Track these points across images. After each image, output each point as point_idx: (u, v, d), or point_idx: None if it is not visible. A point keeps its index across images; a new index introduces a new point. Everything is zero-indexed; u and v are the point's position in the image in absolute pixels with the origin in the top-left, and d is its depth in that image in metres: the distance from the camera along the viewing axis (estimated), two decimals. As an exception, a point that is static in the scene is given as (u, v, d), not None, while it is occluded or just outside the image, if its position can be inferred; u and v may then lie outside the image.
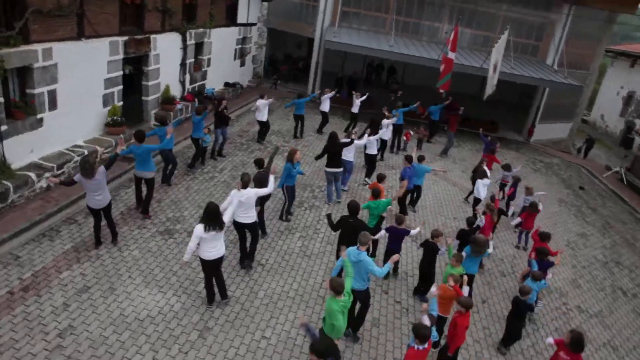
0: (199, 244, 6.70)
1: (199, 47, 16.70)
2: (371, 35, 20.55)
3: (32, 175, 9.32)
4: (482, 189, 11.53)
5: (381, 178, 10.03)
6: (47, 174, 9.62)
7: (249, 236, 8.24)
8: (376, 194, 9.04)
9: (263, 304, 7.60)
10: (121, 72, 12.31)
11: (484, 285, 9.57)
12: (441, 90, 16.91)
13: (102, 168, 7.67)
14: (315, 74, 21.91)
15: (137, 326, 6.64)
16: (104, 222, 8.19)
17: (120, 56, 12.09)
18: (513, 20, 19.74)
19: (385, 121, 14.32)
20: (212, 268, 7.00)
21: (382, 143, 14.84)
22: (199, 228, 6.56)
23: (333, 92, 16.51)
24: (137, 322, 6.71)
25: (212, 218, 6.60)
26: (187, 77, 16.13)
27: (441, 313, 6.99)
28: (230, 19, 18.79)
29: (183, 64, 15.56)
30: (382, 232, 8.50)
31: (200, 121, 11.66)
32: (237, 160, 13.13)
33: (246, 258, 8.38)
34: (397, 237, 8.49)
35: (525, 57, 20.63)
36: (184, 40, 15.24)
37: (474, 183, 12.22)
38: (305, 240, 9.73)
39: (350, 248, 6.62)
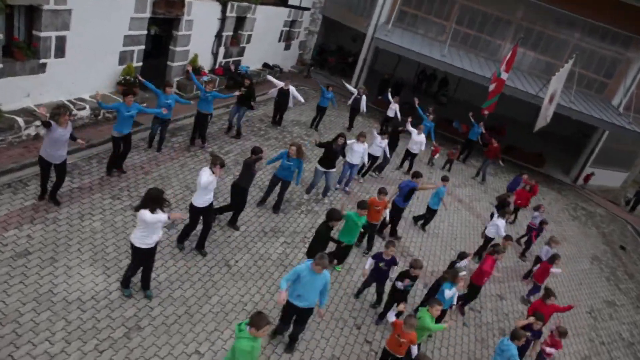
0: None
1: (240, 21, 15.98)
2: (425, 41, 19.20)
3: (20, 120, 8.86)
4: (495, 228, 10.18)
5: (381, 192, 8.95)
6: (37, 122, 9.13)
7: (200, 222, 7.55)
8: (362, 206, 8.02)
9: (212, 312, 6.76)
10: (145, 32, 11.72)
11: (476, 342, 8.35)
12: (485, 112, 15.46)
13: (70, 125, 7.08)
14: (361, 70, 20.78)
15: (60, 308, 5.95)
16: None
17: (147, 15, 11.50)
18: (583, 50, 17.84)
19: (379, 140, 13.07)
20: (149, 257, 6.21)
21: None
22: (145, 213, 5.75)
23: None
24: (62, 304, 6.01)
25: (157, 202, 5.82)
26: (222, 50, 15.46)
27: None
28: (283, 0, 17.96)
29: (219, 36, 14.88)
30: (369, 261, 7.48)
31: (211, 96, 10.80)
32: (247, 145, 12.29)
33: (199, 247, 7.69)
34: (381, 269, 7.43)
35: (589, 92, 18.68)
36: (224, 10, 14.53)
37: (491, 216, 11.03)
38: (289, 247, 8.80)
39: (305, 263, 5.72)
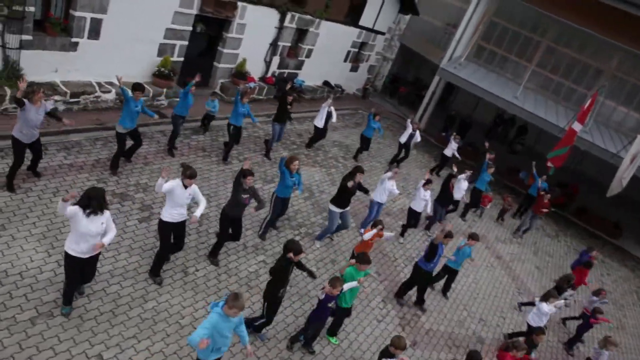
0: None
1: (301, 33, 15.75)
2: (501, 80, 17.65)
3: (39, 92, 9.06)
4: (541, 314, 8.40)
5: (377, 224, 7.83)
6: (56, 97, 9.32)
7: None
8: (364, 260, 6.58)
9: (140, 317, 6.14)
10: (190, 28, 11.77)
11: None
12: (549, 164, 13.62)
13: (46, 104, 6.93)
14: (428, 103, 19.63)
15: (-22, 277, 5.67)
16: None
17: (193, 11, 11.56)
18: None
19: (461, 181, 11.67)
20: (81, 267, 5.48)
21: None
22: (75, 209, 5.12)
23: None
24: (-17, 273, 5.74)
25: (95, 205, 5.22)
26: (276, 59, 15.27)
27: None
28: (352, 19, 17.53)
29: (274, 44, 14.71)
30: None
31: (246, 111, 10.25)
32: (266, 166, 11.58)
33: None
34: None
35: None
36: (282, 20, 14.35)
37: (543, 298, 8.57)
38: (264, 268, 8.01)
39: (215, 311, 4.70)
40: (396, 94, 23.23)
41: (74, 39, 9.56)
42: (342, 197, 8.83)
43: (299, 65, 16.50)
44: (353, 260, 6.87)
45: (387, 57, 23.12)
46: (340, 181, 8.97)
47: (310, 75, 17.08)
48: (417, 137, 14.19)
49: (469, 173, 11.96)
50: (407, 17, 22.01)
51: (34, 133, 7.02)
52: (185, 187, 6.27)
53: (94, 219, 5.22)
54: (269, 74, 15.30)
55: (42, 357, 5.17)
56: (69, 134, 9.08)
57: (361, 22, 17.99)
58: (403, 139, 13.99)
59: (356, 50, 18.92)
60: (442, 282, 9.46)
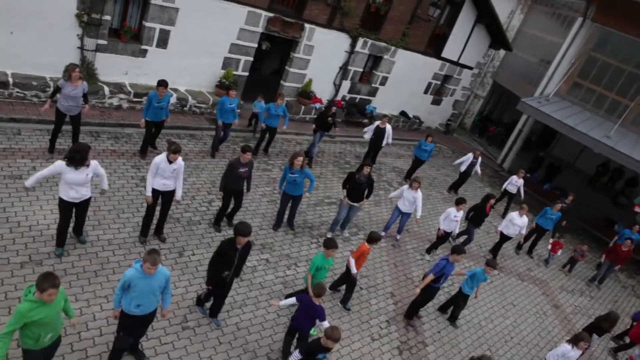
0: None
1: (375, 60, 15.91)
2: (596, 119, 15.88)
3: (106, 89, 10.34)
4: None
5: (373, 239, 7.36)
6: (121, 95, 10.53)
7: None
8: (330, 245, 6.55)
9: (101, 282, 6.39)
10: (255, 45, 12.58)
11: None
12: (637, 209, 11.75)
13: (85, 84, 7.92)
14: (514, 142, 18.33)
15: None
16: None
17: (259, 29, 12.36)
18: None
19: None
20: (74, 209, 6.29)
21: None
22: (60, 163, 5.91)
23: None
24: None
25: (78, 158, 5.87)
26: (347, 83, 15.54)
27: None
28: (434, 50, 17.28)
29: (344, 68, 15.03)
30: (292, 300, 6.10)
31: (280, 110, 10.79)
32: (315, 172, 11.78)
33: (158, 232, 7.41)
34: (307, 313, 5.95)
35: None
36: (353, 45, 14.67)
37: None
38: (266, 265, 7.96)
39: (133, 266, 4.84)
40: (485, 134, 22.06)
41: (143, 47, 10.79)
42: (350, 190, 8.91)
43: (372, 92, 16.57)
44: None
45: (478, 95, 22.22)
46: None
47: (384, 103, 17.04)
48: (478, 168, 13.29)
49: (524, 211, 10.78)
50: (501, 53, 21.11)
51: (74, 107, 7.95)
52: (170, 162, 6.64)
53: (80, 171, 5.88)
54: (339, 98, 15.59)
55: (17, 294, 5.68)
56: (124, 127, 10.14)
57: (444, 54, 17.61)
58: (463, 167, 13.29)
59: (438, 82, 18.48)
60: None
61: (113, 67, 10.56)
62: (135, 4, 10.48)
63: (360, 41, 14.74)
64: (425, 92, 18.42)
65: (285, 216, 8.96)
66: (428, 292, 7.72)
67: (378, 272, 9.07)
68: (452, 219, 9.54)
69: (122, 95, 10.55)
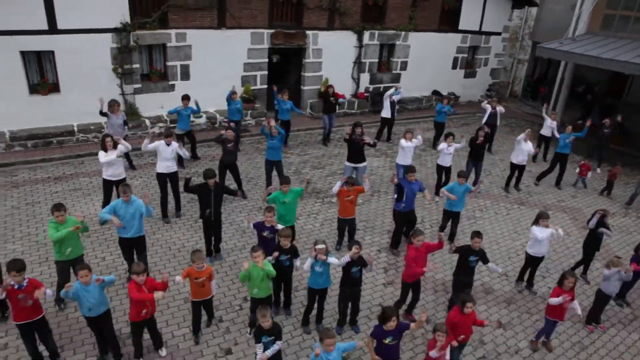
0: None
1: (389, 48, 16.93)
2: (632, 44, 15.02)
3: (147, 121, 12.82)
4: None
5: (349, 182, 8.21)
6: (160, 124, 12.94)
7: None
8: (286, 181, 7.53)
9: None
10: (266, 60, 14.48)
11: None
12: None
13: (122, 114, 10.51)
14: (558, 93, 17.76)
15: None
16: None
17: (265, 45, 14.26)
18: None
19: None
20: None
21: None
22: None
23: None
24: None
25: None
26: (366, 76, 16.70)
27: None
28: (450, 25, 17.82)
29: (358, 62, 16.28)
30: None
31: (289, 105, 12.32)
32: (319, 154, 12.98)
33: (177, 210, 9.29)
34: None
35: None
36: (360, 39, 15.93)
37: None
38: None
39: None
40: (538, 96, 21.38)
41: (170, 82, 13.19)
42: (351, 152, 9.95)
43: (395, 78, 17.47)
44: None
45: (522, 59, 21.81)
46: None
47: (411, 86, 17.70)
48: (499, 116, 13.48)
49: (528, 131, 10.97)
50: (533, 12, 20.75)
51: (119, 132, 10.26)
52: (167, 144, 8.49)
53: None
54: (361, 90, 16.77)
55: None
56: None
57: (462, 27, 18.02)
58: (483, 120, 13.57)
59: (465, 55, 18.78)
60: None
61: (150, 103, 13.04)
62: (157, 49, 12.99)
63: (367, 34, 15.95)
64: (454, 67, 18.79)
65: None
66: (398, 218, 8.45)
67: (379, 216, 9.92)
68: (445, 152, 10.23)
69: (160, 124, 12.93)
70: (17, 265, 5.18)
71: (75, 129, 12.04)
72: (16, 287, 5.20)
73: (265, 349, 5.20)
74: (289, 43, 14.61)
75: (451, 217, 8.80)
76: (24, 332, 5.46)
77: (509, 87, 22.12)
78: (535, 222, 7.49)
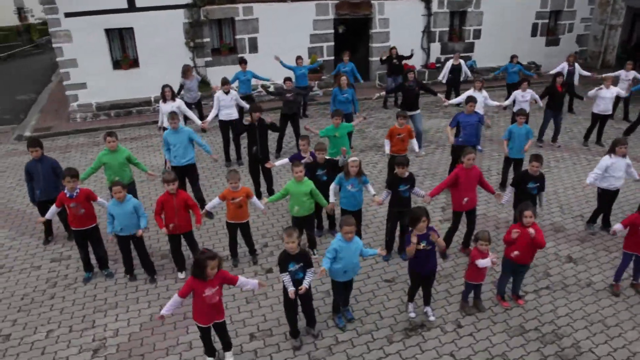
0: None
1: (461, 16, 16.32)
2: None
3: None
4: None
5: (401, 115, 8.05)
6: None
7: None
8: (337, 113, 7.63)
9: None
10: (332, 31, 14.59)
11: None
12: None
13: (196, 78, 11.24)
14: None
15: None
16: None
17: (331, 16, 14.40)
18: None
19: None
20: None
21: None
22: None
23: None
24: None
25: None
26: (436, 45, 16.21)
27: None
28: (526, -12, 16.80)
29: (427, 32, 15.86)
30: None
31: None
32: (385, 116, 12.76)
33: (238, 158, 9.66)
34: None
35: None
36: (428, 7, 15.53)
37: None
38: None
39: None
40: (637, 63, 19.34)
41: (239, 55, 13.74)
42: (404, 100, 9.95)
43: (469, 48, 16.75)
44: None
45: (614, 25, 19.90)
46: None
47: (486, 56, 16.90)
48: (576, 75, 12.33)
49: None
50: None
51: (194, 95, 10.91)
52: (226, 93, 8.86)
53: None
54: (432, 61, 16.28)
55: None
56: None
57: (539, -11, 16.90)
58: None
59: (546, 21, 17.54)
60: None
61: (221, 75, 13.55)
62: (226, 23, 13.62)
63: (435, 1, 15.50)
64: (533, 34, 17.61)
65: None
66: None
67: (441, 165, 9.54)
68: (520, 99, 9.69)
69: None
70: (71, 171, 5.66)
71: (152, 99, 12.95)
72: (67, 194, 5.67)
73: (293, 278, 4.62)
74: (354, 13, 14.61)
75: (513, 164, 8.21)
76: (77, 239, 5.93)
77: (600, 57, 20.22)
78: (611, 150, 6.73)
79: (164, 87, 8.90)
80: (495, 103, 9.93)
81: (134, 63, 12.90)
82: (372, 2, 14.71)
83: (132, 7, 12.23)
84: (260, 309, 5.55)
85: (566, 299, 5.65)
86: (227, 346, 4.75)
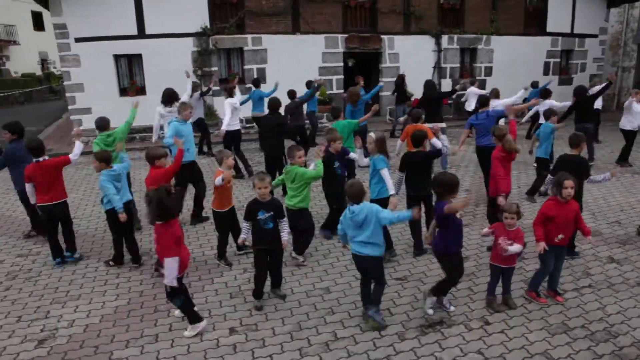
0: None
1: (471, 52, 16.19)
2: None
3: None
4: None
5: (414, 115, 7.52)
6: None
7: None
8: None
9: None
10: (341, 64, 14.45)
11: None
12: None
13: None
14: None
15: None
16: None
17: (340, 50, 14.30)
18: None
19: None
20: None
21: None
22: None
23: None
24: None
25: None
26: (448, 81, 15.94)
27: None
28: (536, 27, 16.75)
29: (437, 67, 15.67)
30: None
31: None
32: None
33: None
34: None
35: None
36: (438, 43, 15.44)
37: None
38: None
39: None
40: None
41: (247, 85, 13.54)
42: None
43: (480, 85, 16.40)
44: None
45: (626, 67, 19.67)
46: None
47: (502, 93, 16.55)
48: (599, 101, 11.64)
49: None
50: (636, 14, 18.94)
51: (197, 112, 10.56)
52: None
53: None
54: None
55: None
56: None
57: (550, 29, 16.82)
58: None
59: (558, 60, 17.34)
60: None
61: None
62: (234, 53, 13.56)
63: (445, 38, 15.43)
64: (545, 73, 17.33)
65: None
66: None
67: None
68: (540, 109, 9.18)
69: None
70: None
71: (157, 127, 12.60)
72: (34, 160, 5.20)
73: (259, 227, 4.37)
74: (364, 47, 14.52)
75: (542, 163, 7.48)
76: (46, 218, 5.40)
77: (615, 99, 19.82)
78: None
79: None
80: (509, 101, 9.33)
81: (141, 90, 12.73)
82: (382, 36, 14.65)
83: (141, 34, 12.25)
84: (246, 304, 4.67)
85: (615, 297, 4.69)
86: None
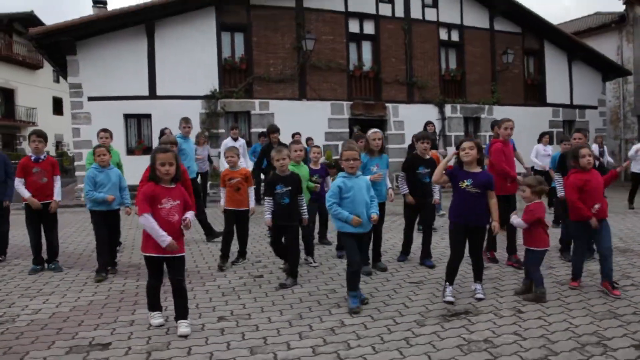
0: None
1: (475, 121, 16.45)
2: None
3: (229, 181, 12.99)
4: None
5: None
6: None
7: None
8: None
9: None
10: (346, 129, 14.63)
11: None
12: None
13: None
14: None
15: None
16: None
17: (345, 116, 14.57)
18: None
19: None
20: None
21: None
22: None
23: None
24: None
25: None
26: (451, 150, 15.98)
27: None
28: (536, 98, 17.19)
29: (442, 135, 15.81)
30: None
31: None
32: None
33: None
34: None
35: None
36: (441, 112, 15.76)
37: None
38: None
39: None
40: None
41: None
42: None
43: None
44: None
45: (629, 139, 19.83)
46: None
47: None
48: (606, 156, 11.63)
49: None
50: (631, 88, 19.54)
51: (203, 167, 10.49)
52: (235, 139, 8.44)
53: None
54: (450, 163, 15.86)
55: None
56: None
57: (550, 100, 17.26)
58: None
59: (560, 130, 17.52)
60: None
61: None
62: (242, 116, 13.82)
63: (448, 107, 15.78)
64: (550, 142, 17.40)
65: None
66: None
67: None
68: (542, 153, 8.90)
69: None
70: (38, 131, 4.90)
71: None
72: (33, 158, 4.81)
73: (276, 202, 4.34)
74: (369, 114, 14.80)
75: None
76: (31, 218, 4.89)
77: (622, 172, 19.69)
78: None
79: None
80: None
81: (147, 150, 12.78)
82: (387, 104, 14.99)
83: (152, 95, 12.61)
84: (240, 300, 4.08)
85: (664, 293, 4.07)
86: (181, 310, 3.29)
